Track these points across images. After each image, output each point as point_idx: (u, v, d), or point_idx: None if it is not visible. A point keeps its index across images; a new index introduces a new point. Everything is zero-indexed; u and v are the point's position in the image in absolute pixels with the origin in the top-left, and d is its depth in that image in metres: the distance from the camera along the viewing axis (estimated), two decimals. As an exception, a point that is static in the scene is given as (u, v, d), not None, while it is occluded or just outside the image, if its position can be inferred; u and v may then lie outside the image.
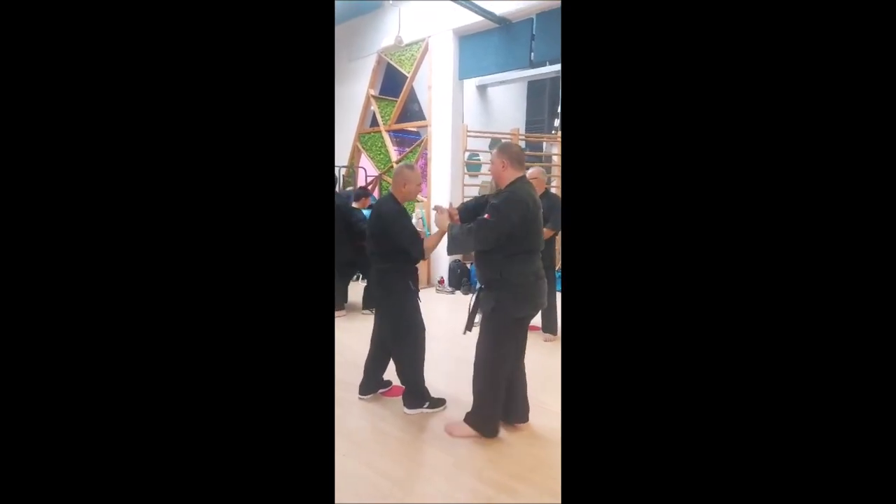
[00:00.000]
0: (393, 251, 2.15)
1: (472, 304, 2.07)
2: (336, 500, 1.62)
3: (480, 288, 2.00)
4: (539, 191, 3.31)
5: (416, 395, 2.28)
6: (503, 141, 1.99)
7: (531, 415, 2.13)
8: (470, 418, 2.04)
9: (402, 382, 2.30)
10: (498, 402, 1.99)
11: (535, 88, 7.69)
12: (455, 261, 5.38)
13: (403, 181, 2.22)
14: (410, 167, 2.31)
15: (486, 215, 1.84)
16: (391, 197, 2.23)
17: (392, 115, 5.95)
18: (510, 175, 1.92)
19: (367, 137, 6.33)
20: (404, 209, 2.23)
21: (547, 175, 3.52)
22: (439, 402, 2.31)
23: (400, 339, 2.25)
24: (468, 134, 5.47)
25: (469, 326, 2.11)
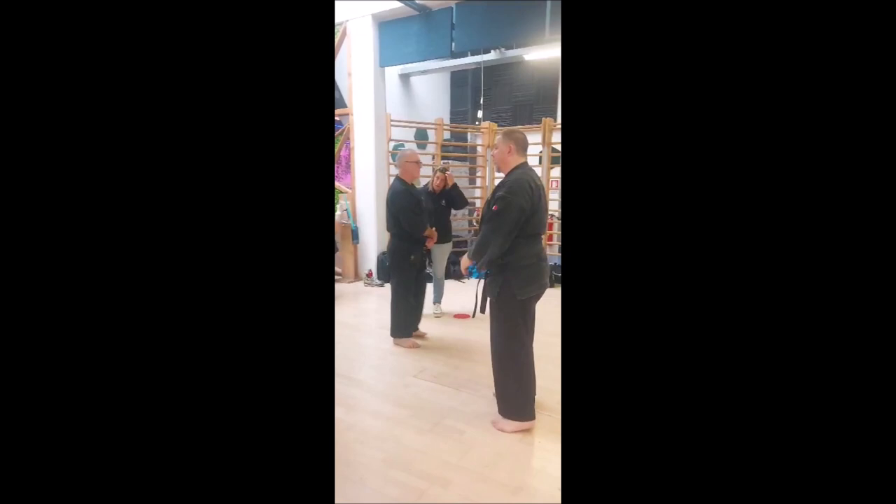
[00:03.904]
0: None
1: (479, 288, 2.11)
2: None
3: (487, 272, 2.02)
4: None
5: None
6: (508, 128, 2.05)
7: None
8: (505, 410, 2.03)
9: None
10: (526, 384, 2.00)
11: (457, 79, 7.72)
12: (382, 253, 5.30)
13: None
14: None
15: (493, 206, 1.88)
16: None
17: (311, 103, 5.68)
18: (514, 160, 1.96)
19: (285, 125, 6.00)
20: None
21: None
22: None
23: None
24: (392, 123, 5.37)
25: (482, 309, 2.10)
